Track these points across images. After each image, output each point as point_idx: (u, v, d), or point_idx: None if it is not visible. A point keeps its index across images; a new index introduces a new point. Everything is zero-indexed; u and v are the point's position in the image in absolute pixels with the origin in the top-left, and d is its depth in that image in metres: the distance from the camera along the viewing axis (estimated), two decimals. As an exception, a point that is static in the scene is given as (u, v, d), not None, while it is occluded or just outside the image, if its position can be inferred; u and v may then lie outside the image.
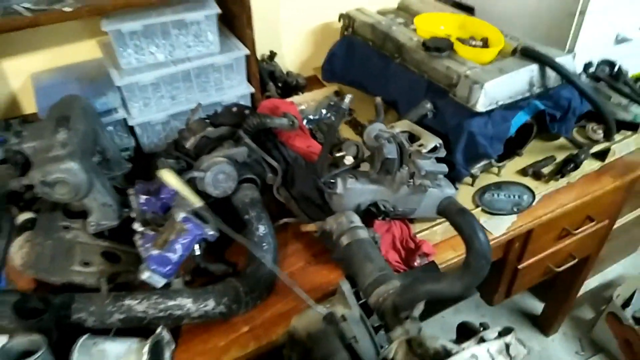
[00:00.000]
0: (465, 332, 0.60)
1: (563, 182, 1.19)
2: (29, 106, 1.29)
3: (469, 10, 1.56)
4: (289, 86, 1.49)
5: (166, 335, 0.84)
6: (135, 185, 1.02)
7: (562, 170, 1.19)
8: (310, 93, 1.49)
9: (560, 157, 1.24)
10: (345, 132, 1.37)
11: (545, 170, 1.20)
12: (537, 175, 1.19)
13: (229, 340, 0.89)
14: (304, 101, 1.45)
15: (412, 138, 0.99)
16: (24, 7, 0.97)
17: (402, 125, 1.00)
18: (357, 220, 0.82)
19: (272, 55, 1.50)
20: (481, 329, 0.59)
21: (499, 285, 1.39)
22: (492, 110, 1.08)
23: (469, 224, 0.57)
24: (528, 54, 1.12)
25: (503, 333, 0.57)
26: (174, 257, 0.80)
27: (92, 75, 1.21)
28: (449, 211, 0.57)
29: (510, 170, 1.22)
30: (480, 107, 1.05)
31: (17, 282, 0.95)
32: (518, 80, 1.09)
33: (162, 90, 1.17)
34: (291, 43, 1.57)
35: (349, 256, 0.74)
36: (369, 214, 0.96)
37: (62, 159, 0.86)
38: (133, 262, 0.95)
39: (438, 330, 1.97)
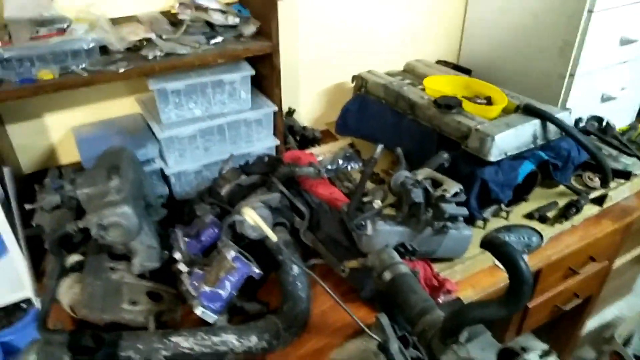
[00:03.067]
0: (508, 355, 0.66)
1: (567, 224, 1.28)
2: (65, 157, 1.37)
3: (467, 72, 1.72)
4: (307, 139, 1.59)
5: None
6: (176, 230, 1.09)
7: (565, 214, 1.29)
8: (326, 145, 1.60)
9: (561, 202, 1.34)
10: (358, 179, 1.47)
11: (550, 214, 1.30)
12: (543, 219, 1.29)
13: (271, 375, 0.94)
14: (321, 152, 1.56)
15: (434, 184, 1.09)
16: (82, 69, 1.07)
17: (424, 173, 1.10)
18: (397, 256, 0.89)
19: (291, 112, 1.62)
20: (522, 351, 0.66)
21: (509, 325, 1.45)
22: (501, 160, 1.19)
23: (512, 254, 0.65)
24: (530, 111, 1.25)
25: (544, 355, 0.64)
26: (224, 294, 0.86)
27: (130, 129, 1.30)
28: (493, 244, 0.65)
29: (517, 214, 1.31)
30: (492, 157, 1.16)
31: (63, 322, 0.99)
32: (523, 133, 1.21)
33: (198, 142, 1.26)
34: (307, 101, 1.70)
35: (394, 289, 0.81)
36: (398, 253, 1.04)
37: (118, 203, 0.93)
38: (174, 301, 1.00)
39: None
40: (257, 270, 0.90)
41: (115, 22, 1.21)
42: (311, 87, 1.69)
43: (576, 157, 1.29)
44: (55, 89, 1.04)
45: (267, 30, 1.23)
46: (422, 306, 0.75)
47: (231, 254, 0.87)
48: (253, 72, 1.25)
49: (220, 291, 0.86)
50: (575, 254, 1.28)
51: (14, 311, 1.39)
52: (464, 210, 1.04)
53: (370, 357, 0.80)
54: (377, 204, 1.04)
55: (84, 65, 1.08)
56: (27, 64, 1.04)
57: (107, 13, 1.17)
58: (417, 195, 1.00)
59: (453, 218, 1.05)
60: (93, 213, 0.92)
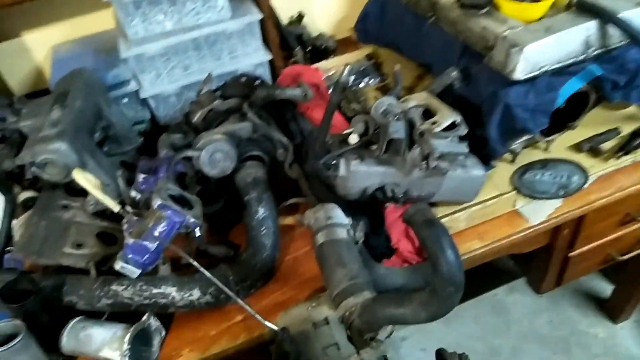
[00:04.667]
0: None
1: (626, 160, 0.99)
2: (56, 78, 1.30)
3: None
4: (318, 50, 1.37)
5: (154, 322, 0.81)
6: (140, 162, 0.99)
7: (626, 145, 0.99)
8: (341, 57, 1.36)
9: (627, 129, 1.03)
10: (370, 98, 1.24)
11: (606, 145, 1.01)
12: (595, 152, 1.01)
13: (221, 329, 0.85)
14: (333, 66, 1.33)
15: (429, 113, 0.86)
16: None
17: (418, 99, 0.86)
18: (337, 215, 0.72)
19: (300, 17, 1.39)
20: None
21: (546, 274, 1.23)
22: (535, 77, 0.90)
23: (435, 240, 0.46)
24: (585, 8, 0.91)
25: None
26: (151, 245, 0.76)
27: (108, 46, 1.17)
28: (414, 222, 0.47)
29: (561, 145, 1.04)
30: (519, 74, 0.88)
31: (24, 262, 0.96)
32: (569, 41, 0.89)
33: (173, 61, 1.11)
34: (323, 2, 1.44)
35: (321, 258, 0.65)
36: (376, 199, 0.86)
37: (51, 139, 0.84)
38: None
39: (489, 310, 1.84)
40: (192, 220, 0.78)
41: None
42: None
43: (651, 70, 0.95)
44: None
45: None
46: (346, 285, 0.59)
47: (157, 201, 0.75)
48: (225, -27, 1.03)
49: (147, 243, 0.76)
50: (634, 197, 1.00)
51: None
52: (462, 148, 0.82)
53: (309, 328, 0.67)
54: (354, 138, 0.85)
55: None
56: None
57: None
58: (397, 130, 0.78)
59: (450, 156, 0.83)
60: (26, 149, 0.84)
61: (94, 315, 0.83)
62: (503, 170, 1.01)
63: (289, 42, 1.33)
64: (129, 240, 0.76)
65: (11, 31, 1.20)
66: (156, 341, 0.82)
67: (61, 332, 0.79)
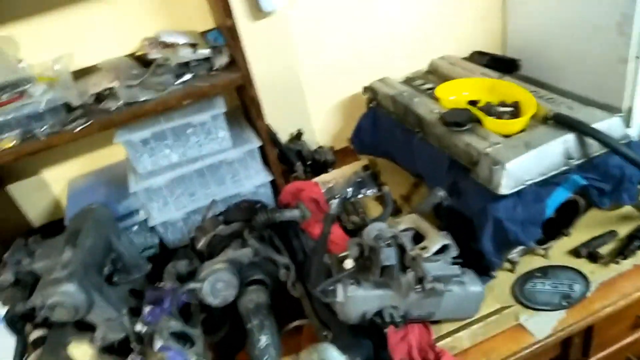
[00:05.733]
0: None
1: (627, 264, 0.99)
2: (71, 209, 1.38)
3: (512, 63, 1.42)
4: (318, 164, 1.44)
5: None
6: (147, 293, 1.02)
7: (625, 249, 1.00)
8: (339, 170, 1.43)
9: (623, 231, 1.04)
10: (375, 210, 1.28)
11: (604, 249, 1.02)
12: (593, 257, 1.01)
13: None
14: (332, 179, 1.39)
15: (419, 236, 0.88)
16: (42, 131, 1.04)
17: (407, 221, 0.89)
18: (332, 356, 0.73)
19: (299, 134, 1.48)
20: None
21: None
22: (521, 190, 0.93)
23: None
24: (561, 121, 0.97)
25: None
26: (153, 388, 0.76)
27: (121, 177, 1.25)
28: None
29: (560, 249, 1.04)
30: (504, 189, 0.92)
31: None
32: (550, 154, 0.94)
33: (179, 189, 1.18)
34: (321, 117, 1.54)
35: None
36: (375, 324, 0.86)
37: (60, 281, 0.88)
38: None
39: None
40: (194, 359, 0.79)
41: (84, 72, 1.16)
42: (323, 103, 1.52)
43: (637, 173, 0.98)
44: (15, 157, 1.02)
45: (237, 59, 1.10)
46: None
47: (158, 343, 0.77)
48: (223, 110, 1.13)
49: (151, 387, 0.76)
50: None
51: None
52: (454, 270, 0.83)
53: None
54: (348, 263, 0.87)
55: (45, 128, 1.04)
56: (-8, 132, 1.03)
57: (71, 65, 1.13)
58: (387, 257, 0.81)
59: (444, 278, 0.84)
60: (37, 292, 0.88)
61: None
62: (504, 280, 1.01)
63: (289, 158, 1.40)
64: (132, 385, 0.77)
65: (31, 170, 1.30)
66: None
67: None
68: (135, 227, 1.21)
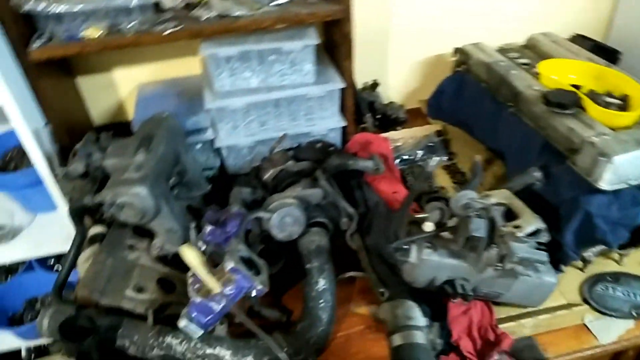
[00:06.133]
0: None
1: None
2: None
3: (612, 55, 1.33)
4: (388, 119, 1.38)
5: (199, 384, 0.80)
6: (207, 212, 1.00)
7: None
8: (409, 129, 1.37)
9: None
10: (442, 179, 1.24)
11: (684, 268, 0.97)
12: (672, 273, 0.96)
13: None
14: (401, 137, 1.34)
15: (510, 213, 0.84)
16: (130, 27, 0.99)
17: (500, 196, 0.85)
18: (417, 316, 0.70)
19: (375, 85, 1.41)
20: None
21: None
22: (620, 189, 0.88)
23: None
24: (681, 124, 0.90)
25: None
26: (217, 307, 0.75)
27: (191, 92, 1.22)
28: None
29: (635, 259, 1.00)
30: (605, 184, 0.86)
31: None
32: (662, 157, 0.87)
33: (252, 116, 1.14)
34: (398, 72, 1.47)
35: (397, 361, 0.63)
36: (443, 292, 0.83)
37: (133, 182, 0.85)
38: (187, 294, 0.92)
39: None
40: (259, 287, 0.77)
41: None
42: (405, 56, 1.45)
43: None
44: (99, 48, 0.98)
45: (340, -11, 1.03)
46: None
47: (229, 264, 0.75)
48: (316, 42, 1.06)
49: (213, 304, 0.75)
50: None
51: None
52: (541, 256, 0.79)
53: None
54: (429, 226, 0.83)
55: (133, 24, 1.00)
56: (79, 20, 0.99)
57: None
58: (477, 227, 0.77)
59: (526, 261, 0.80)
60: (108, 189, 0.86)
61: (142, 363, 0.82)
62: (571, 277, 0.98)
63: (360, 107, 1.35)
64: (196, 299, 0.75)
65: (103, 66, 1.26)
66: (198, 403, 0.80)
67: (109, 377, 0.78)
68: (199, 146, 1.18)
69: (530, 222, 0.79)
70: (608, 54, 1.30)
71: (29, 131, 0.99)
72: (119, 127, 1.15)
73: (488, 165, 1.25)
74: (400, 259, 0.84)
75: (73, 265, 0.93)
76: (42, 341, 1.53)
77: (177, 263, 0.96)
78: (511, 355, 0.70)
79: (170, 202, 0.94)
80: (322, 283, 0.90)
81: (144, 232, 0.98)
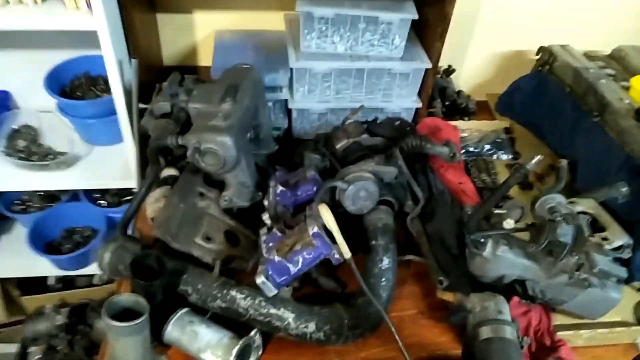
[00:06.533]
0: None
1: None
2: (205, 59, 1.33)
3: None
4: (457, 107, 1.36)
5: (258, 339, 0.81)
6: (276, 173, 0.99)
7: None
8: (477, 122, 1.35)
9: None
10: (504, 174, 1.22)
11: None
12: None
13: (316, 366, 0.84)
14: (468, 129, 1.32)
15: (594, 225, 0.83)
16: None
17: (586, 205, 0.83)
18: (507, 311, 0.70)
19: (450, 71, 1.38)
20: None
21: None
22: None
23: None
24: None
25: None
26: (293, 269, 0.75)
27: (270, 47, 1.20)
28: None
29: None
30: (693, 212, 0.85)
31: (142, 231, 0.98)
32: None
33: (330, 82, 1.12)
34: (474, 61, 1.43)
35: (486, 354, 0.63)
36: (511, 290, 0.83)
37: (221, 130, 0.85)
38: (250, 249, 0.93)
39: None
40: (337, 256, 0.77)
41: None
42: (484, 47, 1.41)
43: None
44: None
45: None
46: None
47: (313, 228, 0.75)
48: (415, 16, 1.03)
49: (290, 265, 0.75)
50: None
51: (127, 194, 1.48)
52: (621, 271, 0.78)
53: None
54: (509, 223, 0.82)
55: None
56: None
57: None
58: (565, 233, 0.76)
59: (602, 274, 0.79)
60: (194, 133, 0.86)
61: (198, 311, 0.83)
62: (627, 296, 0.97)
63: (432, 92, 1.32)
64: (274, 257, 0.76)
65: (184, 5, 1.24)
66: (253, 358, 0.81)
67: (168, 320, 0.79)
68: (270, 104, 1.16)
69: (619, 236, 0.78)
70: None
71: (115, 61, 0.98)
72: (187, 71, 1.14)
73: (551, 170, 1.24)
74: (473, 252, 0.83)
75: (142, 202, 0.93)
76: (73, 273, 1.53)
77: (241, 217, 0.97)
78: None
79: (248, 156, 0.93)
80: (386, 262, 0.90)
81: (213, 182, 0.98)
